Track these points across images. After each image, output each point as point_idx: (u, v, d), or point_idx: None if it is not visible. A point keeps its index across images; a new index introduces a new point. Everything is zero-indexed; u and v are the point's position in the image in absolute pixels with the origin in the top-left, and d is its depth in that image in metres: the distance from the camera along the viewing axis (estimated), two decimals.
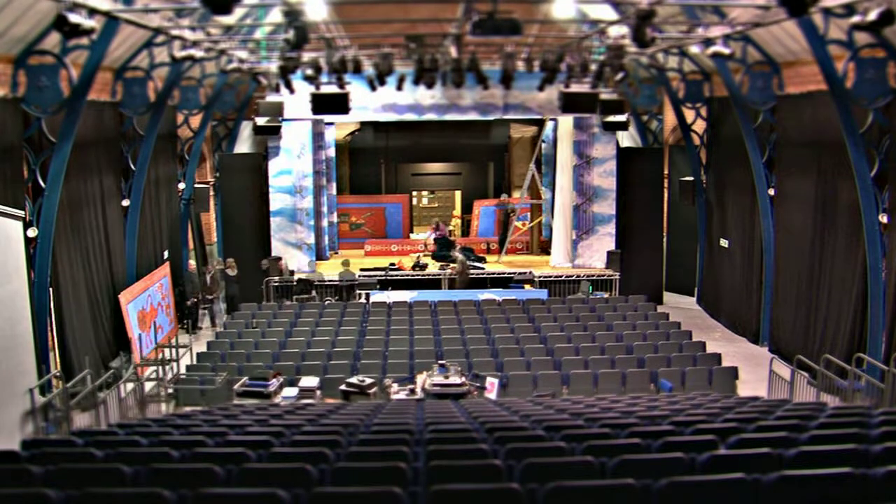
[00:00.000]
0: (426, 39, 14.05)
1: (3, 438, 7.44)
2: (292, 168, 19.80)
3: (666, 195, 21.55)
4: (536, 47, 16.44)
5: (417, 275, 20.11)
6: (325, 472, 5.37)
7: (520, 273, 19.78)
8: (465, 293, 18.48)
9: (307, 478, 5.20)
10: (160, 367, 13.27)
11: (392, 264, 20.52)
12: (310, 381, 12.21)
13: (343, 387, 11.90)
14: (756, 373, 14.55)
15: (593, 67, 14.31)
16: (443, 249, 21.38)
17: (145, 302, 15.84)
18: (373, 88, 17.61)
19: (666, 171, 21.61)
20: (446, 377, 11.63)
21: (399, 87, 18.43)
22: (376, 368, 13.14)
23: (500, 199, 23.41)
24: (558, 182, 20.85)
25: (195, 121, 18.94)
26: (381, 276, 19.64)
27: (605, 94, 15.90)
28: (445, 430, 7.17)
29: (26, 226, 10.79)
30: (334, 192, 23.11)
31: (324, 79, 15.27)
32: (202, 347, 15.00)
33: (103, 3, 9.53)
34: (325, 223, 21.96)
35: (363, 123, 25.43)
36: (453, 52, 13.44)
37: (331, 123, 22.23)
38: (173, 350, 14.69)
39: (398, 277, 19.87)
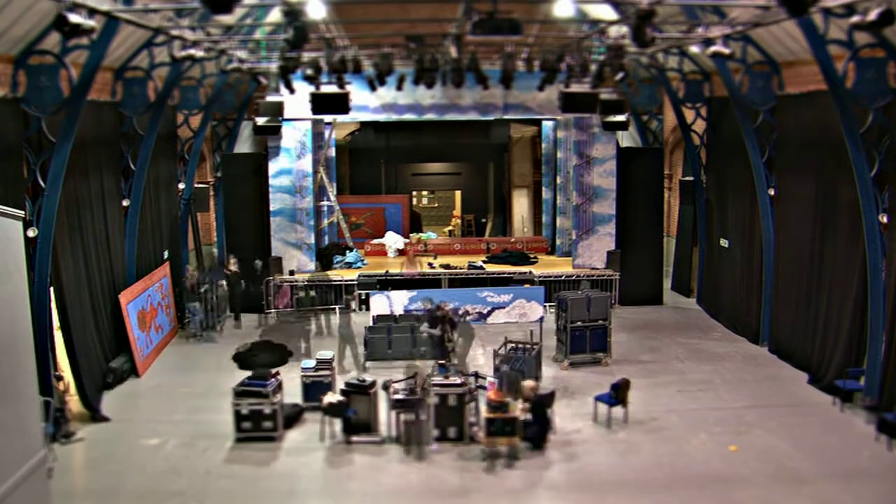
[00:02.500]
0: (426, 39, 14.06)
1: (4, 438, 7.43)
2: (292, 168, 19.79)
3: (666, 195, 21.57)
4: (536, 47, 16.45)
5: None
6: None
7: (520, 273, 19.76)
8: (466, 293, 18.44)
9: None
10: None
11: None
12: (326, 354, 12.89)
13: (343, 386, 11.91)
14: (756, 373, 14.56)
15: (593, 67, 14.31)
16: None
17: (145, 302, 15.84)
18: (373, 88, 17.63)
19: (667, 171, 21.63)
20: (446, 377, 11.63)
21: (399, 87, 18.44)
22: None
23: None
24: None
25: (195, 121, 18.93)
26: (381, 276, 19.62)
27: (605, 94, 15.89)
28: None
29: (26, 226, 10.79)
30: (335, 191, 23.07)
31: (324, 79, 15.27)
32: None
33: (103, 3, 9.53)
34: (325, 223, 21.95)
35: (363, 123, 25.41)
36: (453, 52, 13.44)
37: (330, 123, 22.22)
38: None
39: (398, 278, 19.85)
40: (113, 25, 11.12)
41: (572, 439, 11.58)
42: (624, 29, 13.01)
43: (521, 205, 26.14)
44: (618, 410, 12.16)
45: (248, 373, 12.00)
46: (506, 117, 21.30)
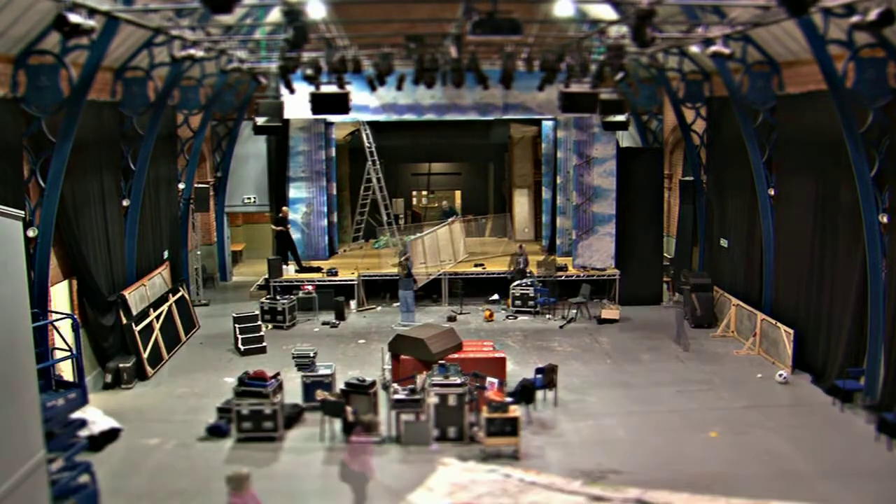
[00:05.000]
0: (426, 39, 14.06)
1: (4, 438, 7.43)
2: None
3: (666, 195, 21.55)
4: (536, 47, 16.45)
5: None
6: None
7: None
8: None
9: None
10: None
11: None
12: (325, 369, 12.93)
13: (343, 386, 11.92)
14: (756, 372, 14.56)
15: (593, 67, 14.31)
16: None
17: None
18: (373, 88, 17.63)
19: (667, 171, 21.61)
20: (446, 377, 11.64)
21: (399, 87, 18.44)
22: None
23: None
24: None
25: (195, 121, 18.94)
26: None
27: (605, 94, 15.89)
28: None
29: (26, 226, 10.79)
30: (334, 192, 23.08)
31: (324, 79, 15.26)
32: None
33: (103, 3, 9.52)
34: (324, 223, 21.93)
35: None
36: (453, 52, 13.45)
37: (331, 123, 22.23)
38: None
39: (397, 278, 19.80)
40: (113, 25, 11.12)
41: (572, 439, 11.59)
42: (624, 29, 13.01)
43: (521, 205, 26.14)
44: (617, 410, 12.16)
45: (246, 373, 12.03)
46: (506, 117, 21.32)
